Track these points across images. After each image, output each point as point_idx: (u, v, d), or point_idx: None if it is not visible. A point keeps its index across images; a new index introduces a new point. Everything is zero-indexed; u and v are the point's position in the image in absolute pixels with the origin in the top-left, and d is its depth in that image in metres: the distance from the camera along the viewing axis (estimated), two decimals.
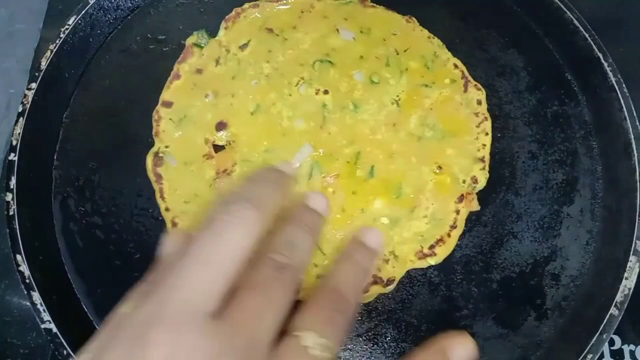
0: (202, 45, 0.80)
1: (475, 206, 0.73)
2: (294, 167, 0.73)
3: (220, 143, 0.75)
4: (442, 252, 0.71)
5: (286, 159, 0.73)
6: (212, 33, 0.81)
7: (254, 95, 0.77)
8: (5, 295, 0.78)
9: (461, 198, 0.73)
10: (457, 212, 0.72)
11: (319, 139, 0.75)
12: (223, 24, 0.82)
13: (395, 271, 0.69)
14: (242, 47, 0.80)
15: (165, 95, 0.78)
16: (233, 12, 0.82)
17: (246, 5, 0.83)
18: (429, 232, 0.71)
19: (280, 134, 0.75)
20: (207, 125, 0.76)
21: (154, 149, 0.75)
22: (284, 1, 0.83)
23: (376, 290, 0.69)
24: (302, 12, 0.83)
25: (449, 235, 0.71)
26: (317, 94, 0.77)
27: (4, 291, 0.78)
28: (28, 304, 0.64)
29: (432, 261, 0.70)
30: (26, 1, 0.98)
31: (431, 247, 0.70)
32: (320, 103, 0.77)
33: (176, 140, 0.75)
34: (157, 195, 0.72)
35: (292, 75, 0.78)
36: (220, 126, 0.76)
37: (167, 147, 0.75)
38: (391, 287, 0.69)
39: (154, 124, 0.76)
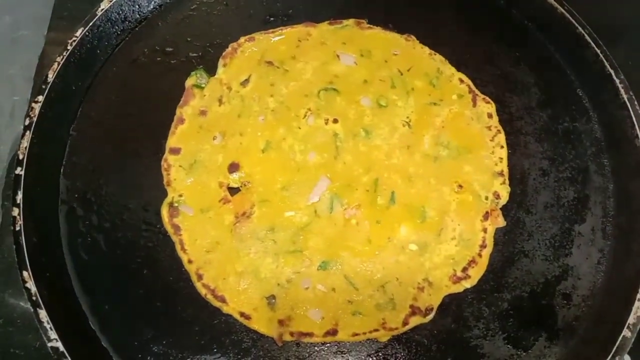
0: (202, 85, 0.78)
1: (501, 222, 0.72)
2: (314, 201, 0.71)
3: (235, 185, 0.73)
4: (476, 274, 0.69)
5: (304, 195, 0.72)
6: (211, 71, 0.79)
7: (262, 132, 0.75)
8: (7, 305, 0.76)
9: (486, 215, 0.72)
10: (485, 230, 0.71)
11: (334, 170, 0.73)
12: (221, 62, 0.80)
13: (432, 299, 0.68)
14: (244, 83, 0.78)
15: (171, 142, 0.75)
16: (229, 48, 0.80)
17: (242, 39, 0.81)
18: (459, 253, 0.70)
19: (295, 170, 0.73)
20: (219, 168, 0.74)
21: (167, 200, 0.72)
22: (279, 31, 0.82)
23: (415, 321, 0.67)
24: (299, 40, 0.81)
25: (480, 255, 0.70)
26: (326, 123, 0.76)
27: (7, 300, 0.77)
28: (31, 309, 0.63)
29: (467, 284, 0.69)
30: (30, 7, 0.97)
31: (464, 269, 0.69)
32: (331, 133, 0.75)
33: (189, 188, 0.73)
34: (178, 247, 0.70)
35: (299, 107, 0.77)
36: (233, 168, 0.73)
37: (180, 196, 0.72)
38: (430, 316, 0.67)
39: (164, 173, 0.73)
